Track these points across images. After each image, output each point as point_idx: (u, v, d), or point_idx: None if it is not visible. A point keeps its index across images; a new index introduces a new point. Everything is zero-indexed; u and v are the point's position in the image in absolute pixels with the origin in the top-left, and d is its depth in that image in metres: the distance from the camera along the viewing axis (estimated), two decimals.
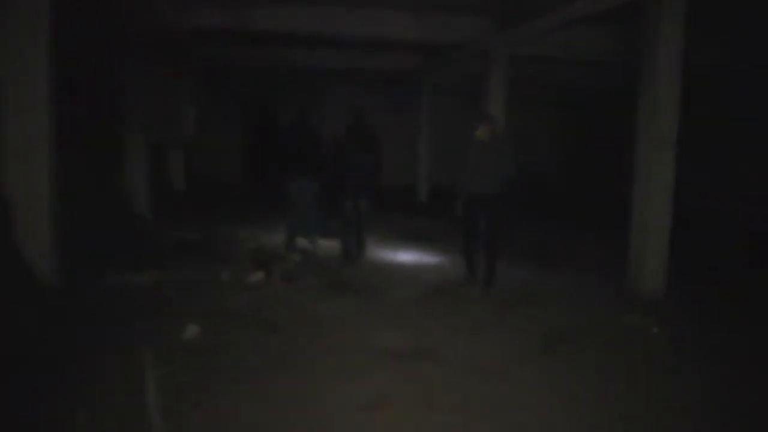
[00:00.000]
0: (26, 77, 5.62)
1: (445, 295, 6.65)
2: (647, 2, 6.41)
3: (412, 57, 14.19)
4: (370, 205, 8.12)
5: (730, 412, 4.02)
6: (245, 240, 9.18)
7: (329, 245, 8.67)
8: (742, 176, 12.45)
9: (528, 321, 5.72)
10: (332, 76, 16.20)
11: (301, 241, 9.02)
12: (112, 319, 5.38)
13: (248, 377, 4.28)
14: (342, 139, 8.15)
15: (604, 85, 15.22)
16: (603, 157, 16.42)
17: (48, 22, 5.63)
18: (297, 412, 3.80)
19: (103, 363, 4.36)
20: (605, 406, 4.02)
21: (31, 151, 5.68)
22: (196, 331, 5.09)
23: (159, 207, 10.78)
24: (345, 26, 10.16)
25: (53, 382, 4.05)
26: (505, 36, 10.16)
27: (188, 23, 9.52)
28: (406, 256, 8.65)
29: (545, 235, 10.37)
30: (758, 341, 5.34)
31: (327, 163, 8.41)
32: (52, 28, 5.67)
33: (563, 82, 15.75)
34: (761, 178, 11.95)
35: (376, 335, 5.22)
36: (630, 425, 3.82)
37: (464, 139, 6.89)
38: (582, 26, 10.15)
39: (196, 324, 5.17)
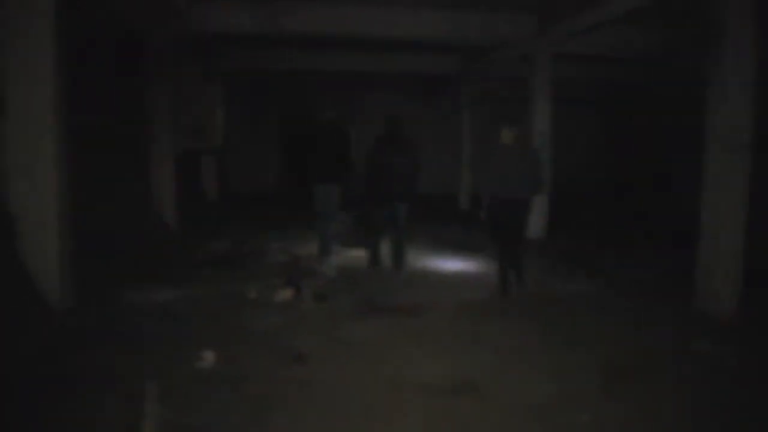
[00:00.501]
0: (31, 84, 5.20)
1: (488, 313, 5.99)
2: None
3: (449, 60, 13.60)
4: (407, 211, 7.62)
5: None
6: (277, 252, 8.69)
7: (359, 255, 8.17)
8: None
9: (584, 347, 5.03)
10: (370, 81, 15.67)
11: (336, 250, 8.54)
12: (121, 344, 4.88)
13: (265, 418, 3.71)
14: (376, 142, 7.71)
15: (649, 84, 14.38)
16: (650, 163, 15.46)
17: (53, 23, 5.18)
18: None
19: (102, 401, 3.84)
20: None
21: (37, 161, 5.23)
22: (212, 360, 4.56)
23: (189, 217, 10.38)
24: (380, 26, 9.62)
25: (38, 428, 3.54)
26: (546, 34, 9.48)
27: (214, 26, 9.08)
28: (446, 267, 8.00)
29: (591, 246, 9.62)
30: None
31: (353, 167, 7.94)
32: (58, 30, 5.23)
33: (605, 83, 14.96)
34: None
35: (412, 366, 4.60)
36: None
37: (491, 143, 6.75)
38: (626, 24, 9.45)
39: (212, 351, 4.64)
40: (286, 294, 6.30)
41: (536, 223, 9.98)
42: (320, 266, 7.64)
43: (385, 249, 8.02)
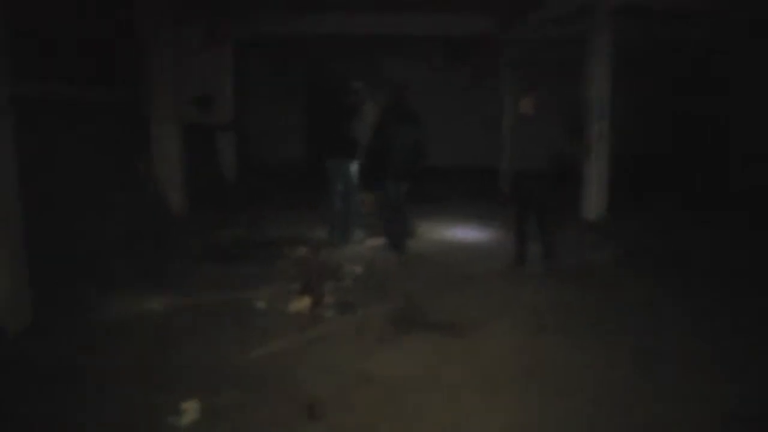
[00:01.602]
0: None
1: (550, 333, 4.58)
2: None
3: (484, 20, 11.93)
4: (407, 188, 7.00)
5: None
6: (296, 240, 7.33)
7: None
8: None
9: (698, 395, 3.62)
10: (397, 47, 14.04)
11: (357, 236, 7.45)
12: (76, 385, 3.59)
13: None
14: (382, 115, 7.17)
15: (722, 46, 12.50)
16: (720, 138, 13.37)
17: None
18: None
19: None
20: None
21: None
22: (193, 415, 3.24)
23: (199, 200, 9.08)
24: None
25: None
26: None
27: None
28: (488, 262, 6.59)
29: (662, 230, 8.12)
30: None
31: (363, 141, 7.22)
32: None
33: (670, 43, 13.08)
34: None
35: (462, 417, 3.24)
36: None
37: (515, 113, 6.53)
38: None
39: (195, 401, 3.32)
40: (302, 303, 4.95)
41: (594, 201, 8.49)
42: (335, 242, 7.13)
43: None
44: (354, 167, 7.21)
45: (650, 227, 8.17)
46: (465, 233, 8.08)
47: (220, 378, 3.71)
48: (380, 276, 5.95)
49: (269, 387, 3.61)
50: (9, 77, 4.16)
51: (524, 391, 3.58)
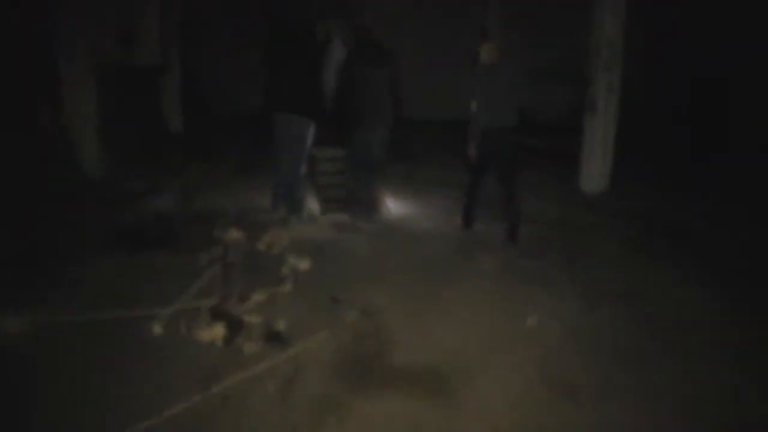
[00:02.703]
0: None
1: (580, 386, 3.13)
2: None
3: None
4: (384, 140, 5.77)
5: None
6: (235, 217, 5.73)
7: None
8: None
9: None
10: None
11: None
12: None
13: None
14: (347, 54, 5.78)
15: None
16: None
17: None
18: None
19: None
20: None
21: None
22: None
23: (131, 158, 7.40)
24: None
25: None
26: None
27: None
28: (475, 253, 5.07)
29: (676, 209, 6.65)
30: None
31: (325, 93, 5.77)
32: None
33: None
34: None
35: None
36: None
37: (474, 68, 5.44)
38: None
39: None
40: (214, 332, 3.41)
41: (596, 170, 6.97)
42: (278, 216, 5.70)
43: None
44: (304, 124, 5.62)
45: (661, 205, 6.65)
46: (441, 207, 6.54)
47: None
48: (333, 275, 4.41)
49: None
50: None
51: None
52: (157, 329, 3.47)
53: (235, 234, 5.10)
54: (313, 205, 6.10)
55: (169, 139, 9.26)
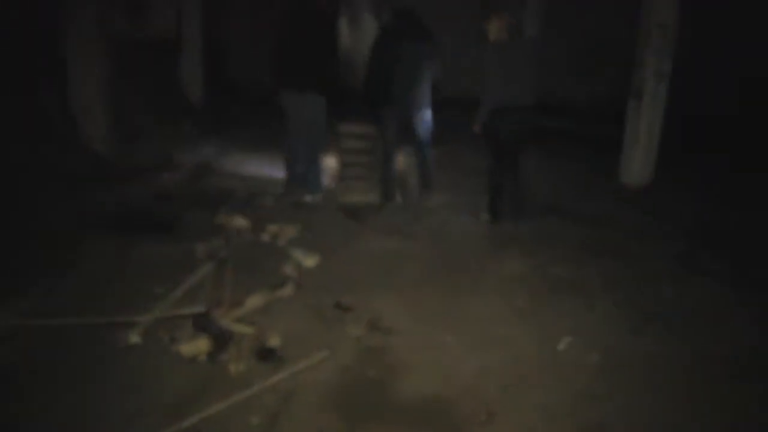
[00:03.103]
0: None
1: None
2: None
3: None
4: (429, 122, 5.38)
5: None
6: (238, 203, 5.28)
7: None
8: None
9: None
10: None
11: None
12: None
13: None
14: (381, 33, 5.38)
15: None
16: None
17: None
18: None
19: None
20: None
21: None
22: None
23: (148, 132, 6.98)
24: None
25: None
26: None
27: None
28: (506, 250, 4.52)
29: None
30: None
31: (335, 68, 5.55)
32: None
33: None
34: None
35: None
36: None
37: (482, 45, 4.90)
38: None
39: None
40: (198, 345, 2.95)
41: (639, 163, 6.33)
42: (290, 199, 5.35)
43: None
44: (318, 103, 5.20)
45: (709, 210, 5.97)
46: (469, 197, 5.97)
47: None
48: (341, 275, 3.92)
49: None
50: None
51: None
52: (134, 338, 3.02)
53: (239, 221, 4.64)
54: (328, 186, 5.66)
55: (189, 112, 8.80)
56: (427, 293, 3.73)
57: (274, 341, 3.02)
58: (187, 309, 3.22)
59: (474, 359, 3.03)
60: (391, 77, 5.10)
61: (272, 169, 6.19)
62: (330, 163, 6.26)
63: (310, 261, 4.00)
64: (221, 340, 2.98)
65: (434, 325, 3.33)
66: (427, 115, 5.36)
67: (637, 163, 6.31)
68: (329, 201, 5.51)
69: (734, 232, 5.13)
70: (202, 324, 3.06)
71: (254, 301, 3.37)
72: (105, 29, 6.10)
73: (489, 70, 4.75)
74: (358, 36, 11.45)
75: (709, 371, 3.06)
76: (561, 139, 8.22)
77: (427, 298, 3.67)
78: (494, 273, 4.10)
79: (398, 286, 3.79)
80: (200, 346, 2.92)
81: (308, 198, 5.35)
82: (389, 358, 3.02)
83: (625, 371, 3.02)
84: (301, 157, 5.37)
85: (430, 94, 5.32)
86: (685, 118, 7.31)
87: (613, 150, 6.69)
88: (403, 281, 3.88)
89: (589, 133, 8.40)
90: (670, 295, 3.86)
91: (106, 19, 6.11)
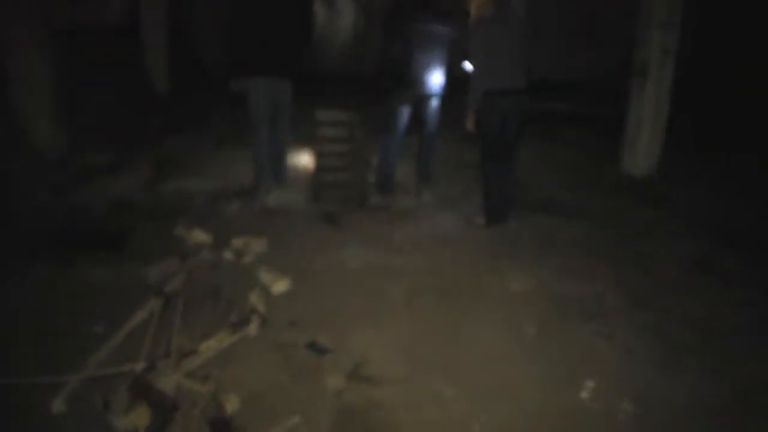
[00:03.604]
0: None
1: None
2: None
3: None
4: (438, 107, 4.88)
5: None
6: (200, 209, 4.63)
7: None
8: None
9: None
10: None
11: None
12: None
13: None
14: (393, 6, 4.73)
15: None
16: None
17: None
18: None
19: None
20: None
21: None
22: None
23: (104, 128, 6.26)
24: None
25: None
26: None
27: None
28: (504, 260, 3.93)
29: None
30: None
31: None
32: None
33: None
34: None
35: None
36: None
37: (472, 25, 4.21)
38: None
39: None
40: (135, 419, 2.32)
41: (643, 149, 5.75)
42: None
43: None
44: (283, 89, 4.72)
45: (724, 203, 5.39)
46: (460, 196, 5.34)
47: None
48: (317, 304, 3.29)
49: None
50: None
51: None
52: (59, 406, 2.39)
53: (199, 235, 3.99)
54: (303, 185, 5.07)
55: (153, 104, 8.06)
56: (419, 324, 3.12)
57: (232, 405, 2.40)
58: (126, 366, 2.58)
59: (480, 416, 2.44)
60: (407, 60, 4.57)
61: (242, 165, 5.54)
62: (303, 159, 5.64)
63: (279, 285, 3.37)
64: (165, 408, 2.36)
65: (429, 370, 2.73)
66: (436, 101, 4.83)
67: (642, 150, 5.74)
68: (303, 202, 4.89)
69: (758, 229, 4.57)
70: (142, 387, 2.43)
71: (210, 347, 2.75)
72: (46, 18, 5.35)
73: (474, 51, 4.14)
74: (332, 15, 10.76)
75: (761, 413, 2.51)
76: (552, 121, 7.63)
77: (419, 330, 3.06)
78: (494, 293, 3.50)
79: (385, 316, 3.18)
80: (139, 417, 2.29)
81: (272, 200, 4.76)
82: (376, 419, 2.42)
83: (668, 423, 2.45)
84: (266, 149, 4.83)
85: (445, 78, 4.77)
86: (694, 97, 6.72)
87: (612, 134, 6.12)
88: (389, 308, 3.26)
89: (583, 114, 7.81)
90: (699, 314, 3.29)
91: (47, 6, 5.36)
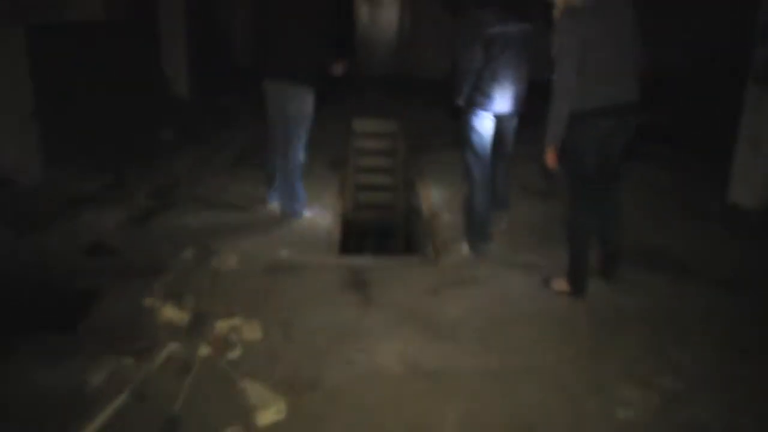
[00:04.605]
0: None
1: None
2: None
3: None
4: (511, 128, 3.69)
5: None
6: (185, 264, 3.49)
7: None
8: None
9: None
10: None
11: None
12: None
13: None
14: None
15: None
16: None
17: None
18: None
19: None
20: None
21: None
22: None
23: (81, 151, 5.16)
24: None
25: None
26: None
27: None
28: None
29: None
30: None
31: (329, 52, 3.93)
32: None
33: None
34: None
35: None
36: None
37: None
38: None
39: None
40: None
41: (758, 174, 4.38)
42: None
43: None
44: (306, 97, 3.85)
45: None
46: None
47: None
48: (323, 419, 2.12)
49: None
50: None
51: None
52: None
53: (171, 313, 2.83)
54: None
55: (168, 110, 6.98)
56: None
57: None
58: None
59: None
60: (482, 69, 3.40)
61: (260, 189, 4.43)
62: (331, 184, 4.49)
63: (269, 415, 2.18)
64: None
65: None
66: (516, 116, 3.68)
67: (757, 178, 4.35)
68: (323, 252, 3.71)
69: None
70: None
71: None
72: (20, 14, 4.27)
73: (563, 56, 2.84)
74: (376, 11, 9.56)
75: None
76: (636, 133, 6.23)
77: None
78: (595, 424, 2.24)
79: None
80: None
81: (284, 253, 3.58)
82: None
83: None
84: (273, 165, 4.13)
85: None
86: None
87: (711, 154, 4.76)
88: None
89: (671, 123, 6.36)
90: None
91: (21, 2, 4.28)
